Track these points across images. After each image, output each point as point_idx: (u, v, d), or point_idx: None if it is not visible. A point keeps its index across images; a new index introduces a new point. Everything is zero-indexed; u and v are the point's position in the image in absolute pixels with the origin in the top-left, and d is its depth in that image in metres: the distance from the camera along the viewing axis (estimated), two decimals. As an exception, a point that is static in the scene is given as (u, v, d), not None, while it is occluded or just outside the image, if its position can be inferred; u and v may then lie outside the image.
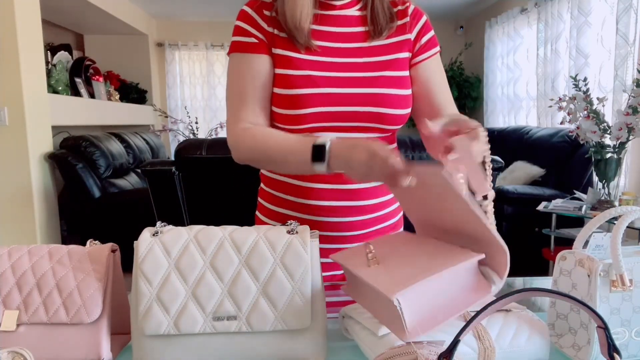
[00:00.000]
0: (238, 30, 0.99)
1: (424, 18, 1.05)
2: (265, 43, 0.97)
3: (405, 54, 1.01)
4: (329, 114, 0.94)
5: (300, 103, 0.94)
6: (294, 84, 0.95)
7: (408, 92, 0.99)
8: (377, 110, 0.95)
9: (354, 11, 1.01)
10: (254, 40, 0.97)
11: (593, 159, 2.55)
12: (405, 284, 0.58)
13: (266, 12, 0.98)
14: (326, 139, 0.83)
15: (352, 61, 0.98)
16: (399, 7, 1.03)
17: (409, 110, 1.00)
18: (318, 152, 0.83)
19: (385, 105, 0.96)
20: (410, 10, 1.03)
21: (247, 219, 1.03)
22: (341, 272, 1.05)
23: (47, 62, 3.61)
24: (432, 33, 1.05)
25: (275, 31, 0.97)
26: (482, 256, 0.63)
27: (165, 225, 0.70)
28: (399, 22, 1.02)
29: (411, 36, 1.02)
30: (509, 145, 4.08)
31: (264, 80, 0.97)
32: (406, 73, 1.00)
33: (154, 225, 0.70)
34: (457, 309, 0.61)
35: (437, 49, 1.05)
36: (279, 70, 0.97)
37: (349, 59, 0.98)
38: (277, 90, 0.97)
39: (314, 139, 0.84)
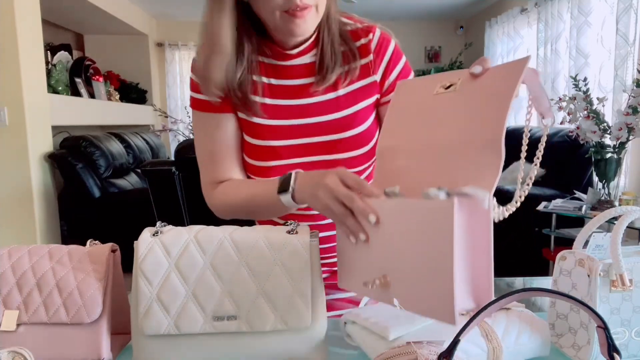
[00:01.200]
0: (194, 86, 0.92)
1: (390, 48, 0.94)
2: (226, 101, 0.91)
3: (372, 99, 0.94)
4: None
5: (266, 173, 0.93)
6: (258, 155, 0.92)
7: (371, 145, 0.93)
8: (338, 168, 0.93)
9: (310, 57, 0.92)
10: (214, 98, 0.90)
11: (593, 159, 2.55)
12: (449, 304, 0.56)
13: None
14: (293, 171, 0.80)
15: (314, 122, 0.91)
16: (362, 41, 0.93)
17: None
18: (284, 183, 0.79)
19: (347, 166, 0.91)
20: (373, 45, 0.92)
21: (246, 219, 1.03)
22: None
23: (47, 62, 3.61)
24: (402, 62, 0.95)
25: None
26: (455, 200, 0.56)
27: (165, 225, 0.70)
28: (362, 62, 0.92)
29: (377, 77, 0.93)
30: (509, 145, 4.07)
31: (233, 138, 0.94)
32: (370, 121, 0.94)
33: (154, 225, 0.70)
34: (485, 251, 0.58)
35: (411, 77, 0.96)
36: (244, 135, 0.94)
37: (310, 120, 0.91)
38: (245, 157, 0.95)
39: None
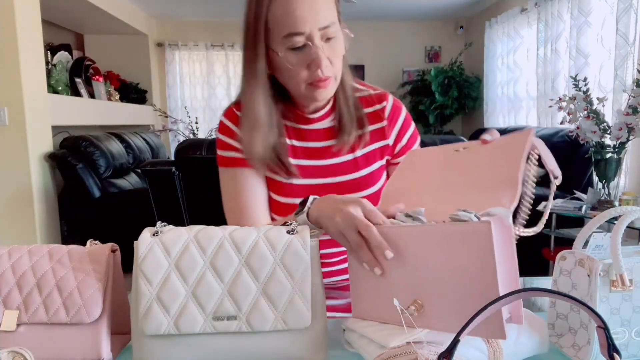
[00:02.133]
0: (221, 144, 0.98)
1: (402, 115, 1.02)
2: None
3: (384, 161, 1.02)
4: None
5: None
6: (281, 211, 0.97)
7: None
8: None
9: (328, 122, 1.00)
10: (239, 155, 0.96)
11: (593, 159, 2.54)
12: (497, 319, 0.56)
13: None
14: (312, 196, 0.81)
15: (334, 181, 0.99)
16: (376, 107, 1.01)
17: None
18: (301, 205, 0.79)
19: None
20: (387, 112, 1.01)
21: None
22: (341, 271, 1.05)
23: (47, 62, 3.61)
24: (412, 128, 1.04)
25: None
26: (489, 232, 0.57)
27: (165, 225, 0.70)
28: (377, 126, 1.01)
29: (389, 141, 1.02)
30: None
31: (260, 191, 0.98)
32: (382, 180, 1.02)
33: (154, 225, 0.70)
34: (512, 263, 0.60)
35: (418, 141, 1.05)
36: (269, 192, 0.99)
37: (331, 179, 0.99)
38: (271, 212, 1.00)
39: None
